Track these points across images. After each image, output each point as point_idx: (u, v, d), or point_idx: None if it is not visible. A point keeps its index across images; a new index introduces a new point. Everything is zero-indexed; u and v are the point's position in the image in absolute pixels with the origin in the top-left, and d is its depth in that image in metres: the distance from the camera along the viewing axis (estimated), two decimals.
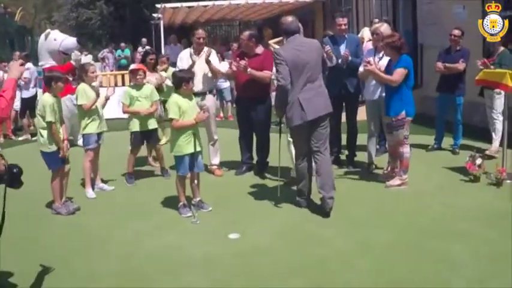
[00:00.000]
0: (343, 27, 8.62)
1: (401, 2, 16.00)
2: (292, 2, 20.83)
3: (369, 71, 7.65)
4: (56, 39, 12.11)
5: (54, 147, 7.10)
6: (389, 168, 8.04)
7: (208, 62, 8.51)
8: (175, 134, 6.93)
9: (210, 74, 8.73)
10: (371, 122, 8.35)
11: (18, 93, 13.01)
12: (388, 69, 7.58)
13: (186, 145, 6.86)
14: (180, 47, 19.60)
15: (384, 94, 7.83)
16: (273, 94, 7.80)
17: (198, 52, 8.69)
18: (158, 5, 19.57)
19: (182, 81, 6.91)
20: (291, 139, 7.39)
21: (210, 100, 8.92)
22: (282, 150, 7.48)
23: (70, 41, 12.25)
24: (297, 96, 6.60)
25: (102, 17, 28.98)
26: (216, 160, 8.99)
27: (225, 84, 15.31)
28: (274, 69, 7.28)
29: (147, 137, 8.75)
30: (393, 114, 7.42)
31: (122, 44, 23.54)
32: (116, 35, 28.24)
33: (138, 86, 8.66)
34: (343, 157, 9.15)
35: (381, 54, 8.03)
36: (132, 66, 9.31)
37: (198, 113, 6.91)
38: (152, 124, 8.67)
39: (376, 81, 7.97)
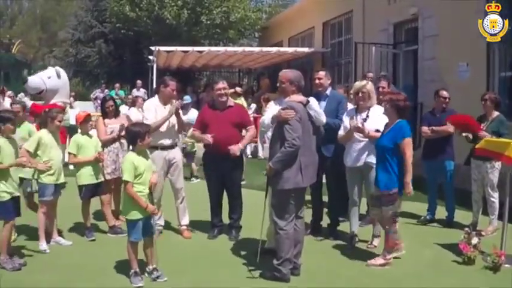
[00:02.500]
0: (317, 81, 7.86)
1: (402, 56, 15.50)
2: (290, 52, 20.43)
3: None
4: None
5: (6, 196, 6.54)
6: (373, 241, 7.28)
7: (177, 114, 7.84)
8: (128, 195, 6.16)
9: (176, 127, 8.03)
10: (353, 190, 7.48)
11: None
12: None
13: (141, 208, 6.10)
14: None
15: (370, 160, 7.07)
16: (265, 146, 7.02)
17: (165, 103, 7.94)
18: (152, 48, 19.04)
19: (137, 137, 6.15)
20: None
21: (178, 154, 8.17)
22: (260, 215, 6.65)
23: None
24: (300, 159, 6.10)
25: (100, 55, 28.56)
26: (185, 220, 8.17)
27: None
28: (265, 118, 6.72)
29: (95, 189, 8.02)
30: (384, 189, 6.56)
31: (117, 85, 22.93)
32: (114, 74, 27.78)
33: (86, 135, 8.01)
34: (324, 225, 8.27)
35: (364, 115, 7.26)
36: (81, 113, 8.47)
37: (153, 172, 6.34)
38: (100, 176, 8.07)
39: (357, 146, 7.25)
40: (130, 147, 6.37)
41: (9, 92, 15.64)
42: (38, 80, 11.75)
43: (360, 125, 6.98)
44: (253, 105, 16.44)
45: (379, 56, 15.40)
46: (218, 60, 22.53)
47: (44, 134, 7.42)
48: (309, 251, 6.87)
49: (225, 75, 29.38)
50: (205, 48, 20.32)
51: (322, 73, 7.91)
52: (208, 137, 7.71)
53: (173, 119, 7.89)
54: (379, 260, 6.70)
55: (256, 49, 20.83)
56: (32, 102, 12.34)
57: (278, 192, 6.18)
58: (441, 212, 8.92)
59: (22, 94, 12.59)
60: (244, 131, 8.11)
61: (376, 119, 7.10)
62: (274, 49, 20.79)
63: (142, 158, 6.19)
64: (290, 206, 6.17)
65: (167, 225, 8.38)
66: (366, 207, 8.11)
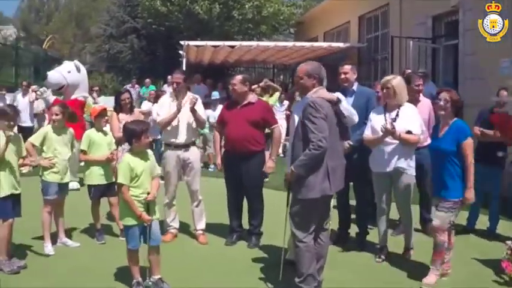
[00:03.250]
0: (342, 76, 7.16)
1: (442, 51, 14.68)
2: (325, 47, 19.66)
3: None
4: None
5: (3, 193, 6.15)
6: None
7: (193, 111, 7.23)
8: (123, 199, 5.63)
9: (194, 124, 7.42)
10: (381, 197, 6.75)
11: None
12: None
13: (134, 217, 5.57)
14: (204, 87, 18.66)
15: (400, 165, 6.38)
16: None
17: (177, 97, 7.36)
18: (182, 42, 18.52)
19: (132, 136, 5.57)
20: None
21: (194, 153, 7.55)
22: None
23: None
24: (327, 162, 5.27)
25: (133, 51, 28.23)
26: (201, 224, 7.58)
27: None
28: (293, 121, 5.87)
29: (105, 190, 7.47)
30: (454, 197, 5.83)
31: (147, 80, 22.43)
32: (146, 70, 27.42)
33: (100, 131, 7.49)
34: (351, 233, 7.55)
35: (393, 114, 6.52)
36: (97, 107, 8.02)
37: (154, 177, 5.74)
38: (111, 177, 7.45)
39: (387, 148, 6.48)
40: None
41: (33, 87, 15.23)
42: (58, 75, 11.29)
43: (389, 127, 6.27)
44: (286, 102, 15.76)
45: (417, 51, 14.58)
46: (251, 55, 21.83)
47: (51, 129, 7.00)
48: (333, 263, 6.16)
49: (259, 71, 28.77)
50: (236, 43, 19.65)
51: (347, 67, 7.23)
52: (218, 163, 7.45)
53: (188, 116, 7.32)
54: (432, 277, 5.94)
55: (289, 44, 20.06)
56: (54, 97, 11.85)
57: (301, 201, 5.35)
58: (481, 222, 8.10)
59: (44, 89, 12.11)
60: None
61: (407, 119, 6.41)
62: (307, 44, 19.99)
63: (139, 159, 5.62)
64: (313, 217, 5.40)
65: (182, 228, 7.81)
66: (399, 215, 7.33)
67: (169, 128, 7.32)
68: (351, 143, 6.65)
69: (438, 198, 5.97)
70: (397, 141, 6.34)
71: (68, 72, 11.35)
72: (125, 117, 8.11)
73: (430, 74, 13.39)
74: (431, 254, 6.05)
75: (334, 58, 21.24)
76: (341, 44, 19.92)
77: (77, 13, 50.83)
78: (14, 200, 6.34)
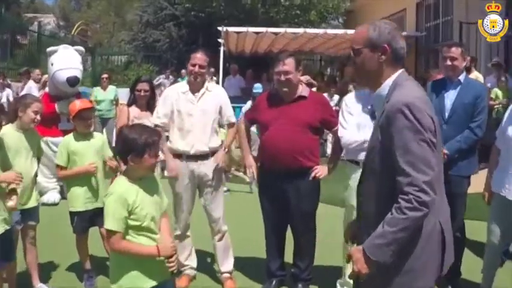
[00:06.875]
0: (448, 62, 5.25)
1: None
2: None
3: None
4: (52, 64, 9.05)
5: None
6: None
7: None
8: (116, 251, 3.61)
9: (216, 124, 5.52)
10: (493, 225, 4.84)
11: None
12: None
13: (147, 273, 3.56)
14: (240, 80, 17.33)
15: None
16: None
17: (195, 89, 5.42)
18: (220, 28, 16.78)
19: (130, 149, 3.49)
20: None
21: (212, 168, 5.48)
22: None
23: (61, 76, 8.87)
24: (439, 220, 2.82)
25: (170, 39, 26.64)
26: (226, 265, 5.63)
27: None
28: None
29: (93, 218, 5.37)
30: None
31: (183, 71, 20.77)
32: (185, 60, 25.77)
33: (83, 136, 5.43)
34: None
35: None
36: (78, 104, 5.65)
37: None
38: (102, 199, 5.46)
39: None
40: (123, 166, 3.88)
41: (37, 71, 13.25)
42: (80, 73, 9.12)
43: None
44: (336, 96, 13.89)
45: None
46: (297, 44, 20.04)
47: (6, 133, 4.84)
48: None
49: (306, 63, 26.99)
50: (281, 30, 18.02)
51: (456, 50, 5.29)
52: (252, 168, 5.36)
53: (207, 115, 5.41)
54: None
55: (340, 31, 18.32)
56: None
57: None
58: None
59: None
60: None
61: None
62: None
63: (142, 190, 3.60)
64: None
65: (202, 269, 5.87)
66: None
67: (178, 131, 5.42)
68: (446, 151, 4.83)
69: None
70: None
71: (81, 63, 9.38)
72: (137, 114, 6.36)
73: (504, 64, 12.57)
74: None
75: None
76: None
77: (116, 1, 49.27)
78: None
